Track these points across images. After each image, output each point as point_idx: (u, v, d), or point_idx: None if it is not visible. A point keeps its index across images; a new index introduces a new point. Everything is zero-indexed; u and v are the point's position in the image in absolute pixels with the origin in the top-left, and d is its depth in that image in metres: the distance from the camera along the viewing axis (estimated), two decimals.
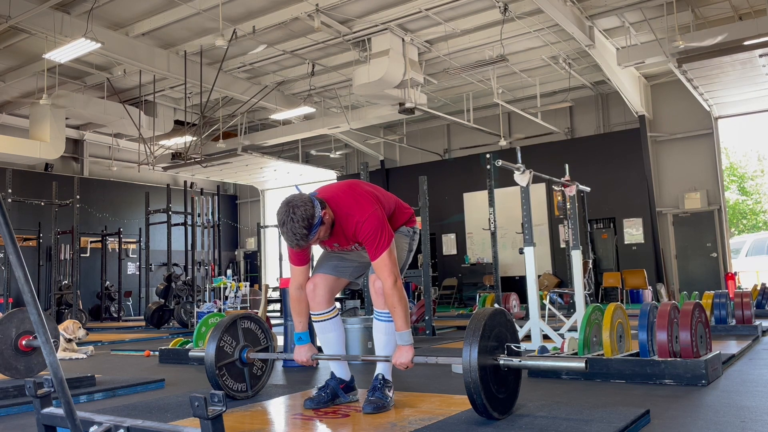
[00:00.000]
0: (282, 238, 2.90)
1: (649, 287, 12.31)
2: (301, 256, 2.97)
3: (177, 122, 14.48)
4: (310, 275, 3.07)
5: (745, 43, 9.37)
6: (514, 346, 2.67)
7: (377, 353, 3.01)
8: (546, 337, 5.16)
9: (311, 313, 3.05)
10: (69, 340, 6.24)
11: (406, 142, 16.40)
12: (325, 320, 3.05)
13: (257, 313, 5.53)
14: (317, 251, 3.12)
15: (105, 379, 4.25)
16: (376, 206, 2.82)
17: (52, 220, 10.63)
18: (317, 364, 3.21)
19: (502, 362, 2.60)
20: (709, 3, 10.14)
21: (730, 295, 6.39)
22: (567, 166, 6.57)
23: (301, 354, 3.00)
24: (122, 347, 7.33)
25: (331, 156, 17.24)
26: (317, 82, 12.95)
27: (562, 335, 5.19)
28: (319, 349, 3.25)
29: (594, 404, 3.02)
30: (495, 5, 9.61)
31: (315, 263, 3.14)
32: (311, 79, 12.52)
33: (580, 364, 2.59)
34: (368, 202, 2.83)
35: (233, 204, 20.17)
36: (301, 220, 2.63)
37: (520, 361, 2.62)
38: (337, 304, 3.24)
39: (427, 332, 7.27)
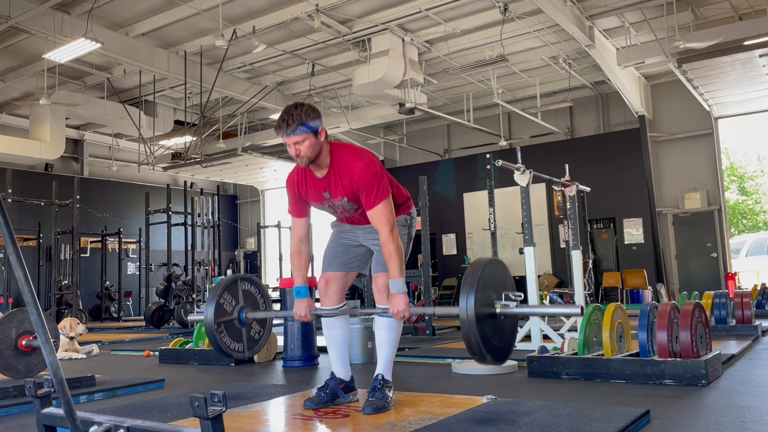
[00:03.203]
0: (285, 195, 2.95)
1: (649, 287, 12.31)
2: (299, 208, 3.02)
3: (177, 122, 14.47)
4: (319, 274, 3.13)
5: (745, 43, 9.36)
6: (513, 295, 2.67)
7: (378, 350, 3.04)
8: (546, 337, 5.17)
9: (319, 307, 3.08)
10: (71, 338, 6.25)
11: (406, 142, 16.39)
12: (332, 316, 3.09)
13: None
14: (319, 230, 3.13)
15: (105, 379, 4.25)
16: (376, 160, 2.90)
17: (52, 220, 10.63)
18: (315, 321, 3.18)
19: (498, 310, 2.58)
20: (709, 3, 10.14)
21: (730, 295, 6.39)
22: (567, 166, 6.58)
23: (301, 308, 3.01)
24: (122, 347, 7.33)
25: None
26: (317, 82, 12.95)
27: (562, 335, 5.20)
28: (323, 349, 3.25)
29: (594, 404, 3.02)
30: (495, 5, 9.60)
31: (322, 258, 3.17)
32: (311, 79, 12.52)
33: (575, 310, 2.59)
34: (370, 153, 2.93)
35: (233, 204, 20.16)
36: (303, 113, 2.74)
37: (515, 307, 2.61)
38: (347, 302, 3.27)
39: (427, 332, 7.27)
